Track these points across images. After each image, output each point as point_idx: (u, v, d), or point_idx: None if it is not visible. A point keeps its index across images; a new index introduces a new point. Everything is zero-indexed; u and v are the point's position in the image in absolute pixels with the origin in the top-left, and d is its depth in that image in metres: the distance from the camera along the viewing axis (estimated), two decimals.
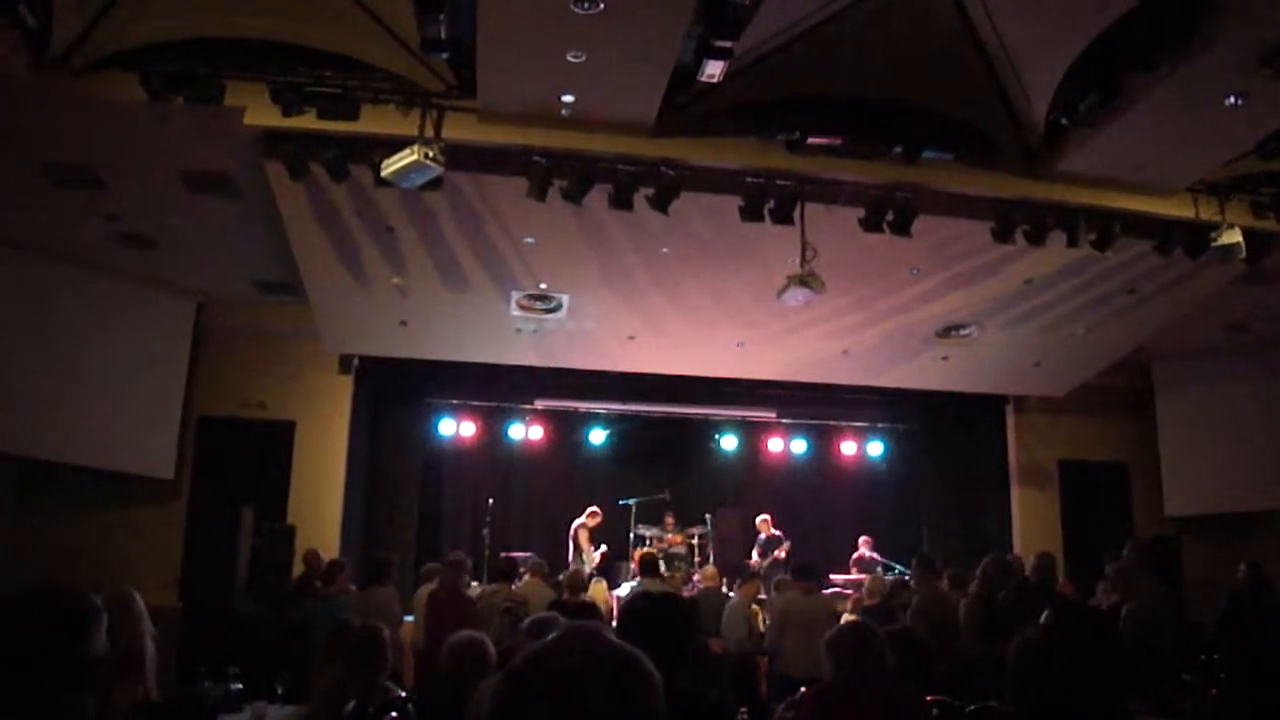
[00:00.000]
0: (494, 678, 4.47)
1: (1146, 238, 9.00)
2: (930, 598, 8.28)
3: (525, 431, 14.39)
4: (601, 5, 6.16)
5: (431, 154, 7.25)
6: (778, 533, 13.14)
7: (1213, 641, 7.23)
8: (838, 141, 8.06)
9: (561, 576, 9.44)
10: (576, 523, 12.63)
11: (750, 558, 12.96)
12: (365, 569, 8.55)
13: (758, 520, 13.41)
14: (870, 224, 8.43)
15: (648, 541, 13.16)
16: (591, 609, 8.58)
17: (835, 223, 8.59)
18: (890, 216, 8.41)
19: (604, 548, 12.63)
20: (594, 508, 12.75)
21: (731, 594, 10.13)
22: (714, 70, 6.79)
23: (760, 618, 9.54)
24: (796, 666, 7.77)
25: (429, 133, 7.47)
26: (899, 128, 8.11)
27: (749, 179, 8.26)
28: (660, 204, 8.04)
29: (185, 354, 11.72)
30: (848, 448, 15.16)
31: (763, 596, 10.28)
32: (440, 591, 8.34)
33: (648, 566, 9.57)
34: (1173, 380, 13.51)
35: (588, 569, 12.22)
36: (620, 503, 13.44)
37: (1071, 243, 8.71)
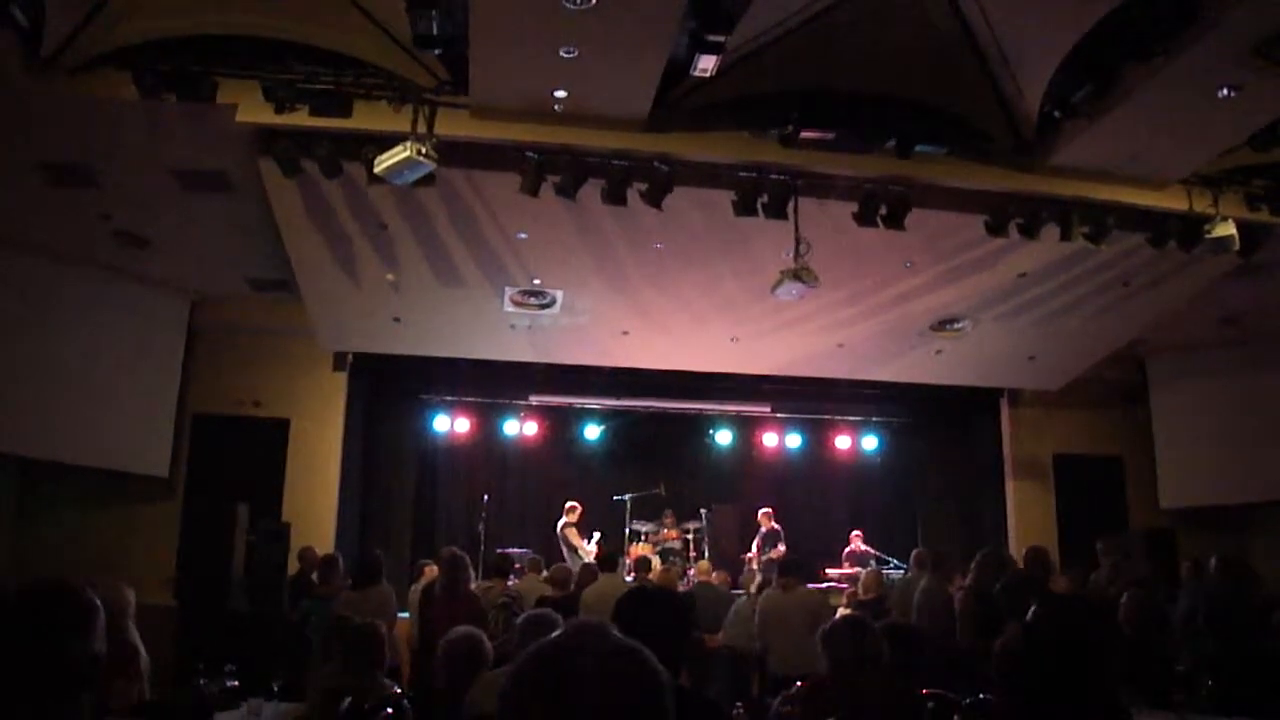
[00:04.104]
0: (491, 673, 4.50)
1: (1140, 231, 9.02)
2: (910, 585, 8.26)
3: (520, 427, 14.38)
4: (593, 0, 6.15)
5: (424, 150, 7.24)
6: (778, 526, 13.02)
7: (1198, 635, 7.23)
8: (831, 135, 8.04)
9: (545, 573, 9.45)
10: (560, 524, 12.51)
11: (748, 552, 12.91)
12: (359, 567, 8.53)
13: (759, 514, 13.25)
14: (863, 218, 8.44)
15: (643, 537, 13.16)
16: (575, 600, 8.54)
17: (828, 217, 8.60)
18: (883, 210, 8.41)
19: (598, 535, 12.48)
20: (571, 503, 12.68)
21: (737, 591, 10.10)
22: (707, 65, 6.79)
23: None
24: (778, 663, 7.79)
25: (421, 129, 7.45)
26: (892, 121, 8.09)
27: (742, 173, 8.25)
28: (653, 199, 8.03)
29: (179, 352, 11.71)
30: (842, 442, 15.17)
31: (738, 590, 10.21)
32: (438, 588, 8.30)
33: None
34: (1167, 373, 13.54)
35: (590, 563, 12.16)
36: (615, 498, 13.43)
37: (1065, 236, 8.72)
